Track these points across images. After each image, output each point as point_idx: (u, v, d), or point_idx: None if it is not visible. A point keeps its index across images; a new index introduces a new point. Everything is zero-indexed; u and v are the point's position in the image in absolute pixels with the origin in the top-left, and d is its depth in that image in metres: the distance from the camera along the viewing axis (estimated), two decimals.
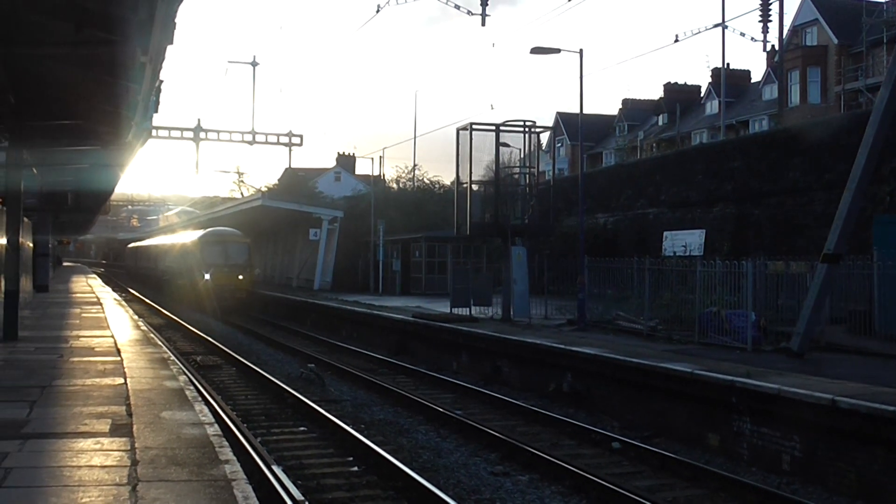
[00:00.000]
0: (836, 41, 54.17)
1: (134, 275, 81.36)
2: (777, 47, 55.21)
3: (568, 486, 11.98)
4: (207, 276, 42.03)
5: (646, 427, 15.83)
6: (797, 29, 58.07)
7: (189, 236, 50.14)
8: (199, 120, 45.68)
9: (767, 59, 60.50)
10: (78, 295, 40.35)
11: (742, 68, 68.69)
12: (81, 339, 19.60)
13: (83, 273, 79.29)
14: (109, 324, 23.90)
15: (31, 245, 33.04)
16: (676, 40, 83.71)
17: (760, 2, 52.55)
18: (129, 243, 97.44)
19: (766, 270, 20.10)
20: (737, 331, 19.11)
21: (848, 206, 16.86)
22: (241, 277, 43.23)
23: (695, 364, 15.82)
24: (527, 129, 27.10)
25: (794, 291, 19.53)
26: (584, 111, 27.22)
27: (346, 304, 34.88)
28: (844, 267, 18.40)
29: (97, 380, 13.26)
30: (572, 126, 75.11)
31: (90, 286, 50.52)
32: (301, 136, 52.05)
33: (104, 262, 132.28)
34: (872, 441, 11.68)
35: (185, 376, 14.51)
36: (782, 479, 12.72)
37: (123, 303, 37.06)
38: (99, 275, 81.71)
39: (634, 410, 16.57)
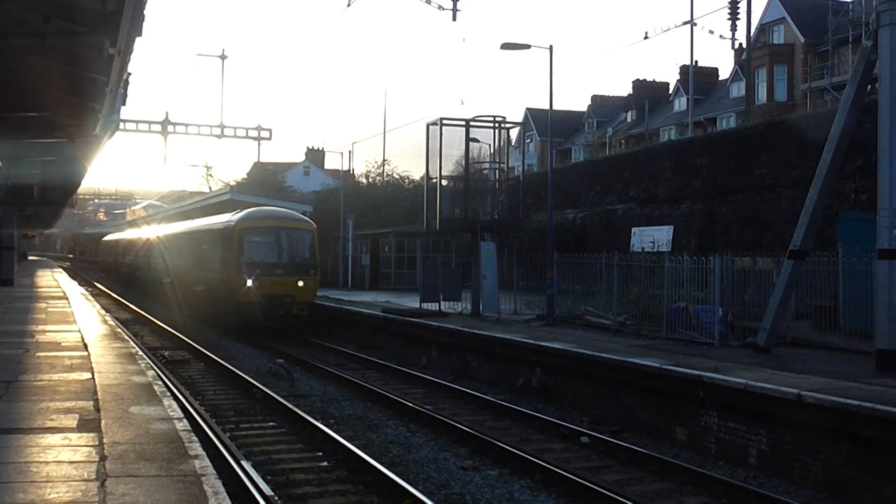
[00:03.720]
0: (802, 40, 54.72)
1: (112, 273, 69.05)
2: (745, 45, 55.66)
3: (537, 481, 12.04)
4: (250, 283, 28.48)
5: (614, 421, 15.93)
6: (765, 27, 58.61)
7: (213, 221, 35.31)
8: (167, 113, 45.42)
9: (735, 56, 60.97)
10: (44, 289, 39.92)
11: (710, 66, 69.19)
12: (48, 333, 19.40)
13: (49, 267, 78.46)
14: (76, 318, 23.68)
15: None
16: (646, 37, 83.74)
17: (729, 0, 52.92)
18: (105, 235, 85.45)
19: (734, 266, 20.27)
20: (704, 326, 19.25)
21: (814, 202, 17.03)
22: (301, 284, 29.66)
23: (663, 359, 15.94)
24: (497, 125, 27.13)
25: (760, 287, 19.71)
26: (554, 107, 27.30)
27: (315, 300, 34.77)
28: (810, 263, 18.59)
29: (64, 375, 13.14)
30: (542, 122, 75.42)
31: (56, 281, 50.01)
32: (270, 130, 51.96)
33: (70, 256, 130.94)
34: (837, 435, 11.83)
35: (153, 371, 14.41)
36: (749, 472, 12.85)
37: (90, 297, 36.74)
38: (65, 269, 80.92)
39: (603, 405, 16.67)
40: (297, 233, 30.89)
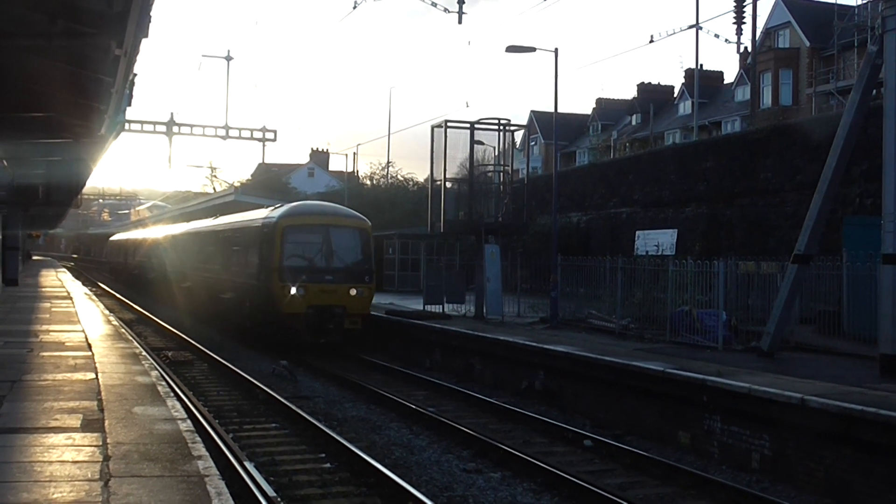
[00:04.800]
0: (808, 44, 54.68)
1: (121, 275, 64.86)
2: (750, 49, 55.63)
3: (540, 484, 12.04)
4: (294, 291, 24.57)
5: (617, 425, 15.92)
6: (770, 31, 58.58)
7: (246, 218, 31.15)
8: (172, 114, 45.21)
9: (740, 60, 60.96)
10: (48, 289, 39.99)
11: (715, 69, 69.32)
12: (52, 333, 19.44)
13: (53, 267, 78.56)
14: (80, 318, 23.73)
15: (0, 238, 32.74)
16: (651, 41, 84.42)
17: (734, 4, 52.97)
18: (112, 235, 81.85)
19: (738, 270, 20.24)
20: (708, 330, 19.24)
21: (818, 207, 17.02)
22: (354, 293, 25.31)
23: (666, 363, 15.92)
24: (501, 128, 27.14)
25: (764, 291, 19.69)
26: (559, 110, 27.30)
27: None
28: (814, 268, 18.57)
29: (68, 375, 13.17)
30: (546, 124, 75.40)
31: (60, 281, 50.08)
32: (275, 132, 51.80)
33: (75, 256, 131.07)
34: (841, 440, 11.81)
35: (156, 371, 14.45)
36: (752, 477, 12.84)
37: (94, 297, 36.81)
38: (69, 269, 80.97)
39: (606, 408, 16.66)
40: (350, 231, 26.42)
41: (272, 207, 29.14)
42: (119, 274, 65.77)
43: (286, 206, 27.82)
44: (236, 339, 28.56)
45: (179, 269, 38.97)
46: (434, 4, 44.21)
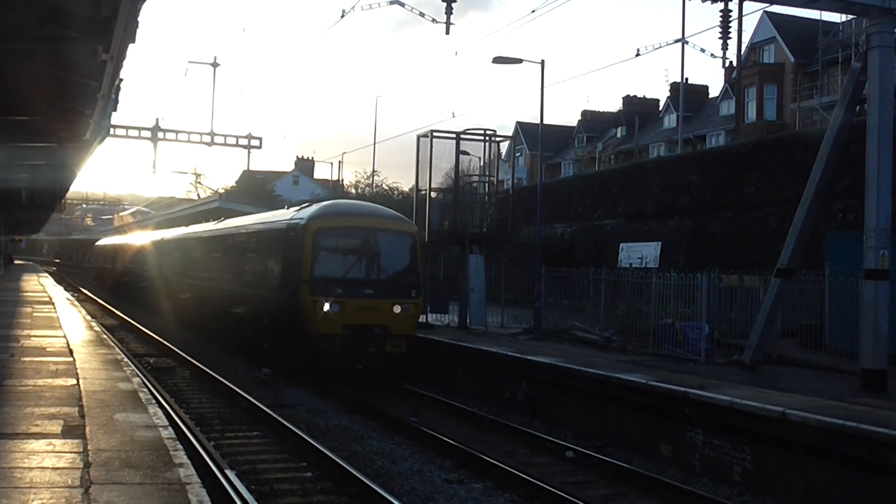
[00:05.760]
0: (792, 59, 55.03)
1: (107, 282, 59.38)
2: (735, 64, 55.97)
3: (522, 495, 12.04)
4: (328, 307, 20.46)
5: (599, 436, 15.93)
6: (755, 46, 58.94)
7: (264, 219, 26.95)
8: (157, 119, 45.00)
9: (725, 75, 61.29)
10: (29, 294, 39.71)
11: (700, 83, 69.60)
12: (33, 338, 19.30)
13: (35, 272, 78.08)
14: (62, 324, 23.58)
15: None
16: (638, 54, 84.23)
17: (720, 19, 53.24)
18: (98, 240, 77.11)
19: (721, 283, 20.35)
20: (691, 343, 19.31)
21: (802, 221, 17.12)
22: (398, 310, 21.24)
23: (649, 375, 15.96)
24: (487, 138, 27.18)
25: (747, 305, 19.78)
26: (545, 122, 27.35)
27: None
28: (797, 282, 18.67)
29: (49, 380, 13.08)
30: (532, 136, 75.46)
31: (42, 285, 49.76)
32: (260, 139, 51.50)
33: (57, 260, 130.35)
34: (822, 454, 11.86)
35: (138, 378, 14.38)
36: (733, 490, 12.88)
37: (76, 302, 36.58)
38: (51, 274, 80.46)
39: (588, 420, 16.68)
40: (395, 235, 22.24)
41: (297, 207, 25.06)
42: (105, 281, 61.15)
43: (316, 206, 23.38)
44: (218, 346, 28.39)
45: (177, 277, 35.43)
46: (422, 15, 44.27)
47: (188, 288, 32.82)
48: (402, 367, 21.68)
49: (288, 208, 26.03)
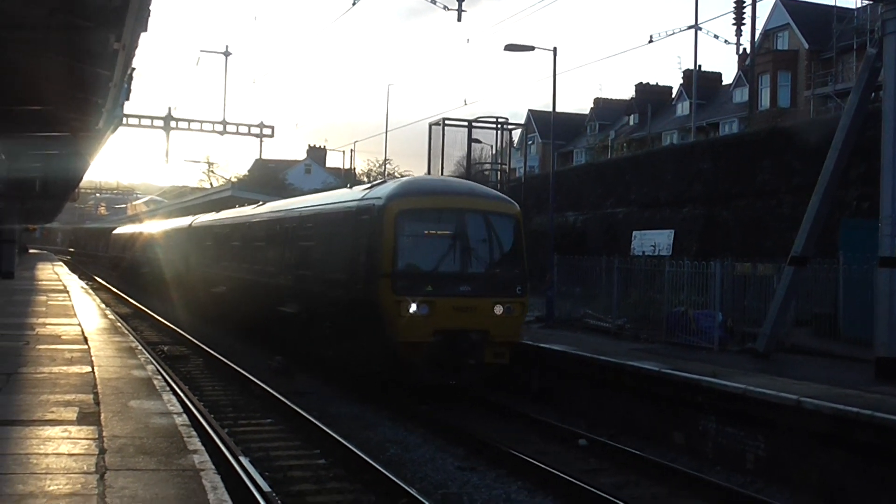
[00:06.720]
0: (807, 46, 54.70)
1: (126, 272, 55.64)
2: (749, 50, 55.67)
3: (534, 482, 12.05)
4: (414, 308, 16.48)
5: (612, 424, 15.92)
6: (769, 33, 58.61)
7: (326, 200, 22.39)
8: (170, 109, 45.02)
9: (739, 62, 61.06)
10: (44, 282, 39.93)
11: (714, 71, 69.40)
12: (48, 326, 19.41)
13: (49, 261, 78.41)
14: (76, 312, 23.69)
15: None
16: (651, 41, 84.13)
17: (734, 5, 53.06)
18: (115, 228, 72.63)
19: (734, 272, 20.27)
20: (704, 331, 19.26)
21: (816, 209, 17.05)
22: (500, 311, 17.31)
23: (662, 363, 15.94)
24: (499, 126, 27.18)
25: (760, 293, 19.70)
26: (557, 109, 27.31)
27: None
28: (811, 270, 18.58)
29: (64, 368, 13.15)
30: (544, 124, 75.32)
31: (57, 274, 50.01)
32: (272, 128, 51.43)
33: (71, 250, 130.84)
34: (835, 442, 11.84)
35: (152, 366, 14.44)
36: (746, 478, 12.85)
37: (90, 291, 36.77)
38: (66, 263, 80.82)
39: (601, 408, 16.66)
40: (496, 218, 18.11)
41: (367, 186, 20.88)
42: (123, 272, 56.93)
43: (394, 183, 19.43)
44: (232, 334, 28.40)
45: (210, 269, 31.47)
46: (434, 2, 44.19)
47: (222, 281, 29.14)
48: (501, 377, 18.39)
49: (351, 187, 22.47)
